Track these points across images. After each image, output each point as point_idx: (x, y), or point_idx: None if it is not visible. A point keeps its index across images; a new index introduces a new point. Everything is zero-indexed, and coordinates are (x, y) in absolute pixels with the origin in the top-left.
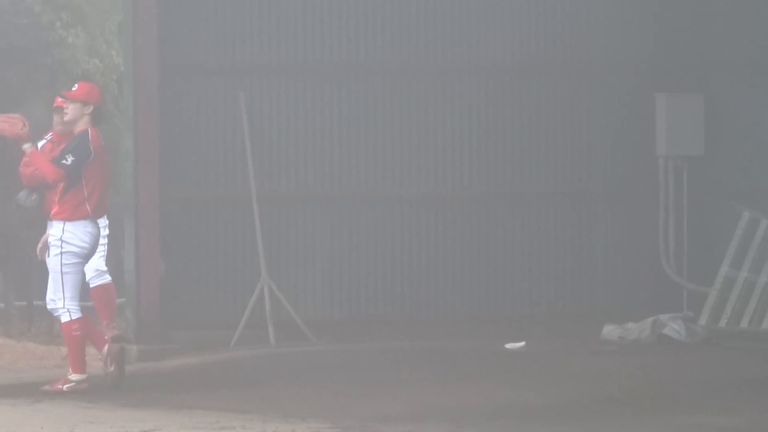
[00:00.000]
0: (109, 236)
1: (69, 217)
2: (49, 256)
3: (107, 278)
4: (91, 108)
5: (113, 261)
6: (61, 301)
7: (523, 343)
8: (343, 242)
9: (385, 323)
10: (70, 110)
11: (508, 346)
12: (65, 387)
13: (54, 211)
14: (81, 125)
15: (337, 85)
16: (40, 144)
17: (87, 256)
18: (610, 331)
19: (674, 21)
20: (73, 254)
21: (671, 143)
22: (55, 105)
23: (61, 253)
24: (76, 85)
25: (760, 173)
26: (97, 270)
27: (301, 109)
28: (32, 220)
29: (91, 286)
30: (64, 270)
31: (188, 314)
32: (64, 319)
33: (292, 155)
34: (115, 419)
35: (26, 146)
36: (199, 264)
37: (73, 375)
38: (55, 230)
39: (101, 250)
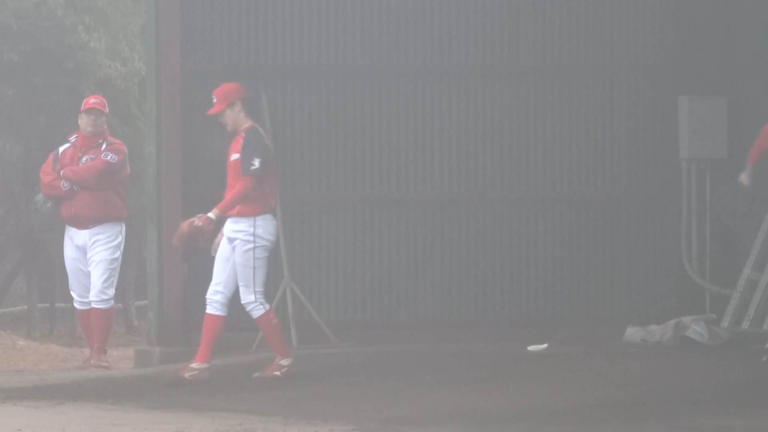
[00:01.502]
0: (131, 239)
1: (259, 212)
2: (235, 251)
3: (111, 302)
4: (239, 105)
5: (136, 263)
6: (252, 295)
7: (545, 345)
8: (365, 244)
9: (407, 325)
10: (226, 119)
11: (531, 348)
12: (280, 372)
13: (240, 208)
14: (244, 123)
15: (360, 87)
16: (62, 148)
17: (272, 250)
18: (632, 333)
19: (698, 23)
20: (264, 248)
21: (694, 146)
22: (87, 107)
23: (254, 248)
24: (214, 97)
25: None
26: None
27: (324, 111)
28: (54, 222)
29: (94, 306)
30: (255, 264)
31: None
32: (258, 312)
33: (315, 157)
34: (138, 421)
35: (212, 213)
36: None
37: (283, 360)
38: (244, 226)
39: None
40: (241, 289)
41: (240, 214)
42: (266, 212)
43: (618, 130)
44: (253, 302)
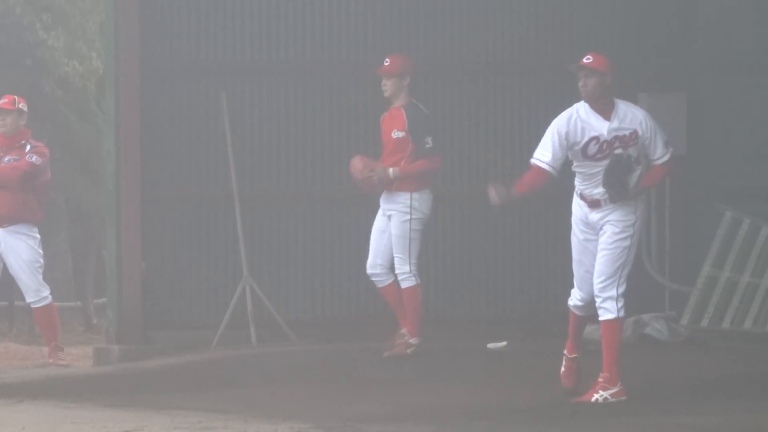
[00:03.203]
0: (90, 237)
1: (416, 188)
2: (391, 222)
3: (49, 299)
4: (407, 79)
5: (95, 261)
6: (407, 266)
7: (504, 343)
8: (325, 242)
9: (366, 323)
10: (389, 86)
11: (490, 346)
12: (409, 351)
13: (398, 183)
14: (404, 99)
15: (319, 84)
16: None
17: (427, 224)
18: (592, 331)
19: (656, 20)
20: (420, 221)
21: None
22: None
23: (411, 219)
24: (387, 59)
25: (743, 173)
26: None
27: (283, 109)
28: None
29: (33, 307)
30: (411, 236)
31: (170, 314)
32: (409, 283)
33: (274, 155)
34: (97, 419)
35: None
36: (180, 264)
37: (413, 339)
38: (402, 199)
39: (38, 272)
40: (396, 260)
41: (398, 189)
42: (424, 187)
43: None
44: (407, 273)
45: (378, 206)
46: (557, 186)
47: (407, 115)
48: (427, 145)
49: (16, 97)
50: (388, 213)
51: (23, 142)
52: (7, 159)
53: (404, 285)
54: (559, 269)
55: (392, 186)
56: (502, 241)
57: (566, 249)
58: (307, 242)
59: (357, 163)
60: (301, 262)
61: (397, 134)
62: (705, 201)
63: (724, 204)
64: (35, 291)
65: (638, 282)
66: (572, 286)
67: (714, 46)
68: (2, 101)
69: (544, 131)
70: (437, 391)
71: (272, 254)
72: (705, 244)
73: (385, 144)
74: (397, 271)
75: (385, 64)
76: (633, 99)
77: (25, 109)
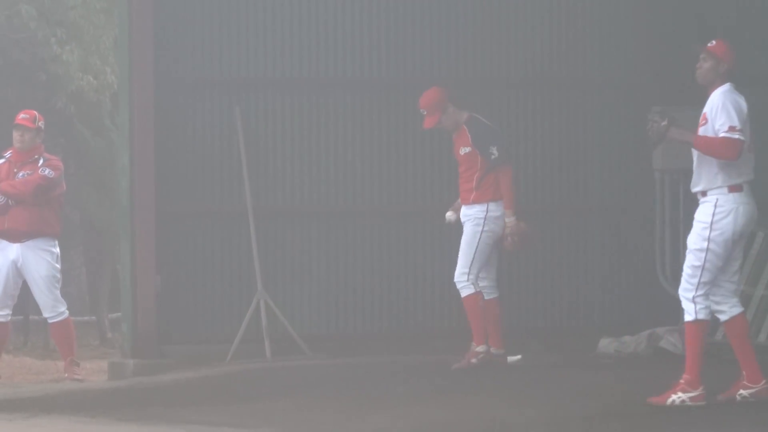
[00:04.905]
0: (104, 252)
1: (492, 198)
2: (464, 228)
3: (65, 314)
4: (450, 106)
5: (109, 276)
6: (466, 275)
7: (519, 357)
8: (339, 256)
9: (381, 338)
10: (445, 125)
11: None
12: (477, 359)
13: (475, 195)
14: (462, 118)
15: (333, 99)
16: None
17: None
18: (606, 344)
19: (670, 35)
20: (491, 235)
21: (667, 157)
22: (15, 122)
23: (482, 231)
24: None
25: (757, 186)
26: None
27: (297, 123)
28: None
29: (50, 322)
30: (479, 246)
31: (184, 329)
32: (468, 291)
33: (288, 169)
34: None
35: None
36: (195, 278)
37: (479, 347)
38: (477, 210)
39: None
40: (458, 266)
41: (474, 201)
42: (498, 198)
43: (591, 142)
44: (465, 282)
45: (401, 221)
46: (574, 201)
47: (469, 130)
48: (493, 156)
49: (36, 114)
50: (465, 220)
51: (36, 156)
52: (21, 174)
53: (463, 294)
54: (572, 283)
55: (470, 201)
56: (515, 255)
57: (578, 263)
58: (321, 256)
59: (517, 243)
60: (315, 276)
61: (464, 150)
62: None
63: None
64: (52, 306)
65: (652, 295)
66: (584, 299)
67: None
68: (22, 116)
69: (518, 146)
70: (452, 405)
71: (286, 268)
72: None
73: (459, 162)
74: (456, 279)
75: (423, 113)
76: (646, 113)
77: (43, 127)
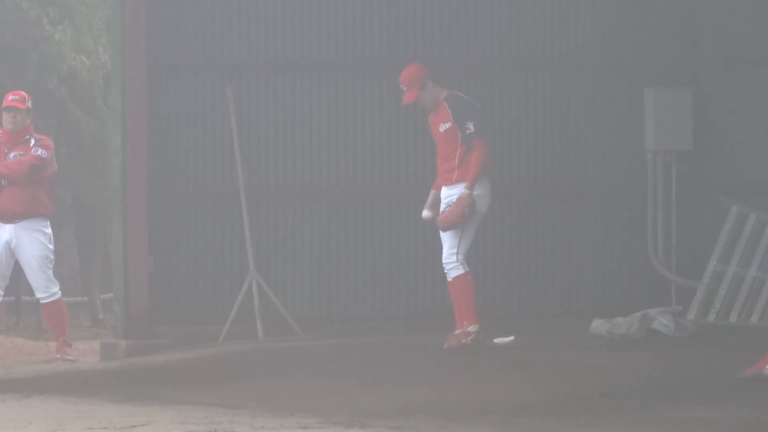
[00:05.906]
0: (96, 232)
1: (474, 178)
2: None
3: (58, 294)
4: (429, 83)
5: (101, 256)
6: (454, 256)
7: (512, 338)
8: (331, 237)
9: (373, 318)
10: (423, 101)
11: (497, 340)
12: (468, 339)
13: (458, 174)
14: (441, 95)
15: (326, 80)
16: None
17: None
18: (598, 325)
19: (665, 16)
20: (477, 212)
21: (660, 138)
22: (5, 104)
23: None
24: (401, 84)
25: (749, 168)
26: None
27: (290, 105)
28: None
29: (42, 303)
30: (464, 227)
31: (177, 309)
32: (457, 272)
33: (281, 150)
34: (104, 414)
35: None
36: (187, 259)
37: (472, 326)
38: (461, 189)
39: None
40: (445, 249)
41: (458, 180)
42: (481, 176)
43: (583, 123)
44: (453, 263)
45: (388, 201)
46: (566, 182)
47: (449, 105)
48: (468, 131)
49: (25, 94)
50: (447, 201)
51: (27, 137)
52: (12, 155)
53: (452, 275)
54: (564, 264)
55: (453, 180)
56: (508, 236)
57: (570, 244)
58: (314, 237)
59: (456, 218)
60: (308, 257)
61: (444, 126)
62: (711, 196)
63: (730, 199)
64: (45, 287)
65: (644, 277)
66: (576, 280)
67: (721, 41)
68: (12, 98)
69: (510, 126)
70: (445, 386)
71: (278, 249)
72: (711, 239)
73: (437, 142)
74: (444, 261)
75: (402, 88)
76: (639, 94)
77: (32, 106)
